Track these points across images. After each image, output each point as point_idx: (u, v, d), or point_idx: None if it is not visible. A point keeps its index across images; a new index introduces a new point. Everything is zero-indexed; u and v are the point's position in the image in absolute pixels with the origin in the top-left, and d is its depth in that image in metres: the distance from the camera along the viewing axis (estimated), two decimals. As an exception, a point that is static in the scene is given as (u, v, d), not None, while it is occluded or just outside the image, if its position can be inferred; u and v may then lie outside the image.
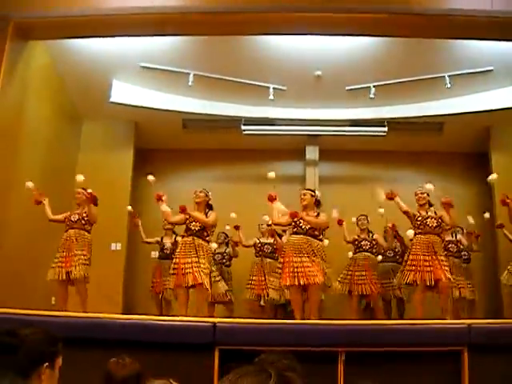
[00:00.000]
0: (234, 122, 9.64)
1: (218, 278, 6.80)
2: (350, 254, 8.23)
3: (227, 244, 8.75)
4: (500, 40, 7.26)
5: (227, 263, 8.60)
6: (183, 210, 6.65)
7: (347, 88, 8.90)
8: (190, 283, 6.30)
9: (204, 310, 6.59)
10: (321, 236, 6.55)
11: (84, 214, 6.89)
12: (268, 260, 8.14)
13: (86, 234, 6.85)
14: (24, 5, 6.75)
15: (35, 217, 7.18)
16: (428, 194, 6.86)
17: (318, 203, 6.65)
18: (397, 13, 6.58)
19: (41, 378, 2.00)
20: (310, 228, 6.34)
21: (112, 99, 8.88)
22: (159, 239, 8.68)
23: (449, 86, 8.34)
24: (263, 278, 7.99)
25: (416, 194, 6.86)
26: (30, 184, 6.82)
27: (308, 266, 6.11)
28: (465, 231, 8.62)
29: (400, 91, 8.87)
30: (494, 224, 8.95)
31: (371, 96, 8.67)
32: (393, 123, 9.55)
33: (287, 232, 7.44)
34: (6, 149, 6.74)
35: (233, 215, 8.58)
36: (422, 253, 6.45)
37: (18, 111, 7.11)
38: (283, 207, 6.60)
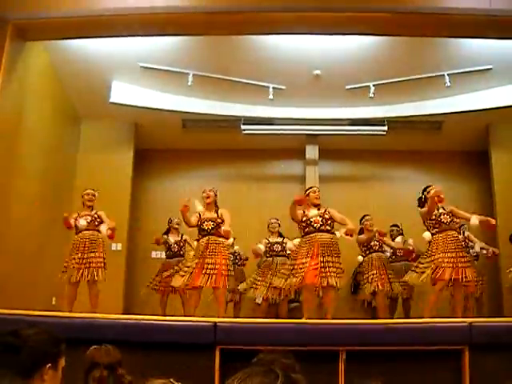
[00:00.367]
0: (234, 122, 9.65)
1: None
2: (360, 258, 8.16)
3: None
4: (499, 38, 7.26)
5: (239, 262, 8.58)
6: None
7: (347, 87, 8.90)
8: (213, 284, 6.25)
9: (223, 310, 6.54)
10: (333, 229, 6.52)
11: (96, 216, 6.90)
12: (278, 258, 8.06)
13: (100, 235, 6.86)
14: (23, 6, 6.74)
15: (35, 218, 7.19)
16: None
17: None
18: (395, 12, 6.58)
19: (43, 378, 1.99)
20: (321, 225, 6.34)
21: (111, 99, 8.88)
22: (166, 237, 8.59)
23: (448, 84, 8.34)
24: (267, 278, 7.96)
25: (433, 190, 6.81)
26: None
27: (334, 266, 6.15)
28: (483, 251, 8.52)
29: (399, 90, 8.88)
30: (495, 222, 8.95)
31: (371, 95, 8.68)
32: (392, 122, 9.55)
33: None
34: (6, 150, 6.73)
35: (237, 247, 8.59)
36: (445, 250, 6.36)
37: (17, 112, 7.11)
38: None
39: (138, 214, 10.04)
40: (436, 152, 10.48)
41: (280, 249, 8.11)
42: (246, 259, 8.75)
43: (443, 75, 8.37)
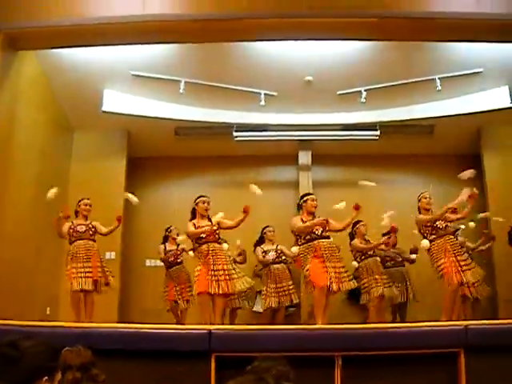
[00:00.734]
0: (226, 129, 9.65)
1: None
2: (355, 263, 8.13)
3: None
4: (489, 42, 7.29)
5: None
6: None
7: (338, 92, 8.92)
8: (222, 291, 6.22)
9: (219, 318, 6.45)
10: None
11: (91, 225, 6.92)
12: (275, 266, 8.07)
13: (95, 244, 6.90)
14: (14, 15, 6.73)
15: (28, 226, 7.17)
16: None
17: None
18: (385, 17, 6.59)
19: None
20: (322, 231, 6.39)
21: (104, 108, 8.87)
22: (163, 248, 8.54)
23: (439, 88, 8.38)
24: (278, 285, 7.95)
25: (425, 198, 6.82)
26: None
27: (345, 271, 6.28)
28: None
29: (391, 94, 8.90)
30: (487, 224, 8.99)
31: (362, 100, 8.71)
32: (384, 127, 9.58)
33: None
34: (-2, 159, 6.74)
35: (238, 242, 8.60)
36: (447, 255, 6.40)
37: (9, 121, 7.09)
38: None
39: (132, 223, 10.01)
40: (428, 156, 10.50)
41: (275, 256, 8.11)
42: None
43: (434, 79, 8.40)
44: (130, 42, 7.27)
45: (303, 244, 6.43)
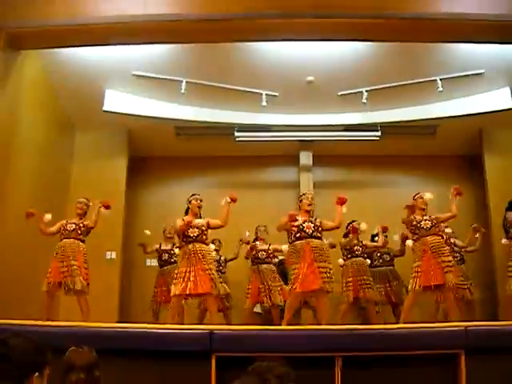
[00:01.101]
0: (227, 129, 9.66)
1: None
2: (341, 261, 8.22)
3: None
4: (490, 43, 7.29)
5: (223, 270, 8.59)
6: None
7: (339, 93, 8.92)
8: (204, 291, 6.21)
9: (216, 317, 6.49)
10: (322, 237, 6.54)
11: (81, 225, 6.85)
12: (263, 266, 8.10)
13: (82, 244, 6.81)
14: (16, 14, 6.74)
15: (29, 226, 7.15)
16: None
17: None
18: (387, 18, 6.59)
19: None
20: (313, 231, 6.33)
21: (105, 108, 8.87)
22: (158, 246, 8.59)
23: (441, 89, 8.37)
24: (261, 285, 7.97)
25: (421, 198, 6.78)
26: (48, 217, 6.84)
27: (326, 271, 6.15)
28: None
29: (392, 95, 8.90)
30: (488, 226, 8.99)
31: (363, 101, 8.71)
32: (386, 127, 9.58)
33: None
34: (0, 158, 6.73)
35: (247, 233, 8.59)
36: (421, 257, 6.40)
37: (10, 121, 7.10)
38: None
39: (133, 222, 10.02)
40: (429, 157, 10.51)
41: (265, 256, 8.13)
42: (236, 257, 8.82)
43: (435, 80, 8.40)
44: (132, 41, 7.27)
45: (293, 242, 6.42)
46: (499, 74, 8.46)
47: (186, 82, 8.42)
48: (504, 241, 7.50)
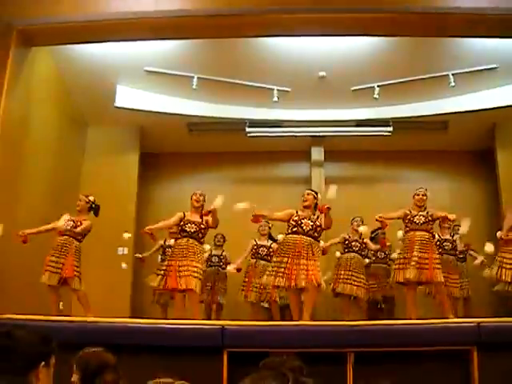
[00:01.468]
0: (239, 125, 9.66)
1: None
2: (338, 253, 8.31)
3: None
4: (503, 37, 7.24)
5: (224, 266, 8.58)
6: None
7: (351, 88, 8.89)
8: (183, 287, 6.20)
9: (197, 313, 6.45)
10: (319, 238, 6.49)
11: (79, 223, 6.84)
12: (262, 262, 8.11)
13: (75, 242, 6.74)
14: (27, 12, 6.76)
15: (41, 221, 7.18)
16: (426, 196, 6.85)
17: (316, 206, 6.59)
18: (399, 12, 6.57)
19: (38, 377, 2.04)
20: (310, 229, 6.26)
21: (117, 104, 8.89)
22: (162, 243, 8.63)
23: (453, 84, 8.33)
24: (255, 280, 7.97)
25: (418, 194, 6.82)
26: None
27: (307, 268, 6.00)
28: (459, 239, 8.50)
29: (404, 90, 8.86)
30: (501, 221, 8.93)
31: (375, 96, 8.67)
32: (398, 122, 9.54)
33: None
34: (12, 156, 6.76)
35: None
36: (408, 249, 6.46)
37: (23, 117, 7.13)
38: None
39: (144, 218, 10.03)
40: (442, 152, 10.45)
41: (265, 252, 8.15)
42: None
43: (448, 75, 8.36)
44: (143, 37, 7.29)
45: (288, 234, 6.34)
46: (512, 69, 8.41)
47: (198, 78, 8.42)
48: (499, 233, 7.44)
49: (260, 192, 10.15)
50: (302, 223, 6.26)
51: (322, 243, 6.70)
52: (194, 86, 8.41)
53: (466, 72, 8.33)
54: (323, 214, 6.30)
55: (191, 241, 6.45)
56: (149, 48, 7.88)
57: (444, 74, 8.39)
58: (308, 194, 6.55)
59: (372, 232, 8.52)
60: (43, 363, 2.07)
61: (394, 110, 9.45)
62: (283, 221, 6.49)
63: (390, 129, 9.55)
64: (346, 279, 7.94)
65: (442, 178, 9.97)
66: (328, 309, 8.71)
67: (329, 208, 6.14)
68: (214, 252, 8.58)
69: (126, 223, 9.03)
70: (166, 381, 2.46)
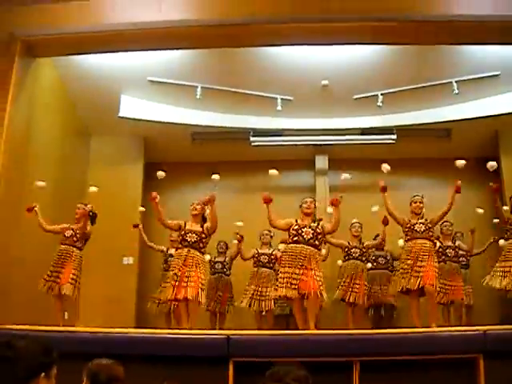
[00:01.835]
0: (243, 134, 9.67)
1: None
2: (340, 262, 8.27)
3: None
4: (506, 44, 7.25)
5: (227, 272, 8.59)
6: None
7: (354, 97, 8.91)
8: (189, 297, 6.16)
9: (195, 322, 6.39)
10: (320, 246, 6.48)
11: (78, 231, 6.89)
12: (263, 269, 8.13)
13: (76, 250, 6.84)
14: (31, 22, 6.80)
15: (46, 235, 7.20)
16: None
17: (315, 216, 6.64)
18: (402, 21, 6.58)
19: None
20: (311, 238, 6.23)
21: (120, 114, 8.93)
22: (164, 249, 8.65)
23: (456, 91, 8.34)
24: (257, 288, 7.97)
25: (415, 202, 6.87)
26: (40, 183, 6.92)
27: (308, 277, 5.98)
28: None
29: (407, 98, 8.88)
30: (501, 232, 8.92)
31: (379, 104, 8.69)
32: (401, 130, 9.55)
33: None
34: (16, 165, 6.77)
35: (239, 223, 8.54)
36: (409, 258, 6.44)
37: (27, 128, 7.15)
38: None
39: (149, 228, 10.04)
40: (445, 159, 10.38)
41: (267, 260, 8.17)
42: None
43: (451, 82, 8.37)
44: (147, 47, 7.32)
45: (290, 243, 6.32)
46: (516, 76, 8.41)
47: (202, 88, 8.45)
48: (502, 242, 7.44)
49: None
50: (302, 232, 6.26)
51: (323, 251, 6.70)
52: (197, 96, 8.43)
53: (469, 79, 8.35)
54: (336, 208, 6.32)
55: (192, 251, 6.42)
56: (152, 58, 7.91)
57: (447, 81, 8.41)
58: (311, 202, 6.56)
59: (374, 238, 8.52)
60: (43, 374, 2.06)
61: (397, 118, 9.46)
62: (283, 230, 6.51)
63: (394, 137, 9.56)
64: (348, 287, 7.91)
65: (446, 185, 9.92)
66: (331, 317, 8.68)
67: (341, 198, 6.28)
68: (217, 259, 8.58)
69: (131, 232, 9.03)
70: None
